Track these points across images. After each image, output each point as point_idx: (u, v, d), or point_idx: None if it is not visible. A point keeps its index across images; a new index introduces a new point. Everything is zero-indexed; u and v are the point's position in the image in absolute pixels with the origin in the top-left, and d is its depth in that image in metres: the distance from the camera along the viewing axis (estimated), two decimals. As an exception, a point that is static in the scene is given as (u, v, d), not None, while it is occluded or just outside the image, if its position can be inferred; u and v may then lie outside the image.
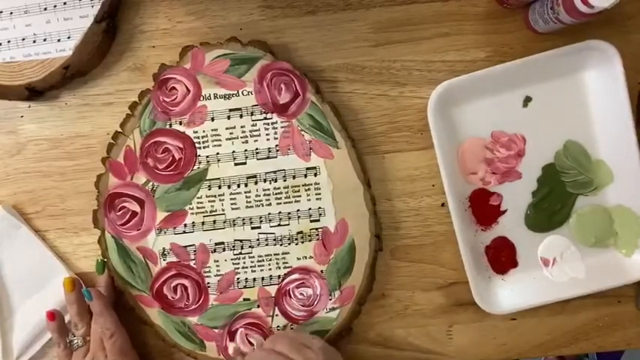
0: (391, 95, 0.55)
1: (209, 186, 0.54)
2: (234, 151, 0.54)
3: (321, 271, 0.54)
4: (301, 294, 0.54)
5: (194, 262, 0.55)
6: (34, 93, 0.54)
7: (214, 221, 0.54)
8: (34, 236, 0.56)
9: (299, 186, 0.54)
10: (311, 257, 0.54)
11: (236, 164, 0.54)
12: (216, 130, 0.54)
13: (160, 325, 0.55)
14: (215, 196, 0.54)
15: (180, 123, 0.54)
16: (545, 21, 0.50)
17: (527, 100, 0.54)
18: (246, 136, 0.54)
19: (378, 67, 0.55)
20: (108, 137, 0.55)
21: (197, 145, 0.54)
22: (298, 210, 0.54)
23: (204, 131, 0.54)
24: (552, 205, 0.54)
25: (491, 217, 0.54)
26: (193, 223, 0.54)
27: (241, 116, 0.54)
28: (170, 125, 0.54)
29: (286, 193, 0.54)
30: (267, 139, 0.54)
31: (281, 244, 0.54)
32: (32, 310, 0.56)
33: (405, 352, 0.56)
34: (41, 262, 0.56)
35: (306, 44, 0.55)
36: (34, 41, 0.54)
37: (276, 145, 0.54)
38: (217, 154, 0.54)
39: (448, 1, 0.54)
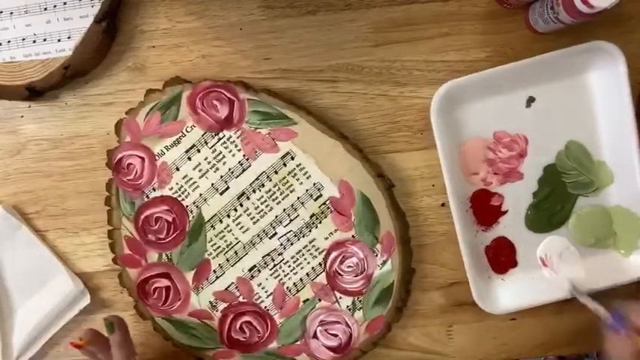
0: (391, 95, 0.55)
1: (212, 226, 0.54)
2: (212, 184, 0.54)
3: (353, 236, 0.54)
4: (348, 266, 0.54)
5: (242, 297, 0.55)
6: (34, 93, 0.54)
7: (235, 252, 0.55)
8: (34, 236, 0.56)
9: (285, 177, 0.54)
10: (336, 230, 0.54)
11: (221, 193, 0.54)
12: (186, 176, 0.54)
13: None
14: (223, 231, 0.54)
15: (154, 189, 0.54)
16: (545, 21, 0.50)
17: (531, 100, 0.53)
18: (214, 165, 0.54)
19: (378, 67, 0.55)
20: (108, 137, 0.55)
21: (180, 199, 0.54)
22: (298, 197, 0.54)
23: (177, 183, 0.54)
24: (553, 205, 0.54)
25: (492, 218, 0.54)
26: (220, 265, 0.55)
27: (199, 150, 0.54)
28: (147, 196, 0.54)
29: (279, 190, 0.54)
30: (233, 156, 0.54)
31: (303, 236, 0.54)
32: (32, 310, 0.56)
33: (405, 352, 0.56)
34: (41, 262, 0.56)
35: (306, 44, 0.55)
36: (34, 41, 0.54)
37: (244, 156, 0.54)
38: (200, 195, 0.54)
39: (448, 1, 0.54)
